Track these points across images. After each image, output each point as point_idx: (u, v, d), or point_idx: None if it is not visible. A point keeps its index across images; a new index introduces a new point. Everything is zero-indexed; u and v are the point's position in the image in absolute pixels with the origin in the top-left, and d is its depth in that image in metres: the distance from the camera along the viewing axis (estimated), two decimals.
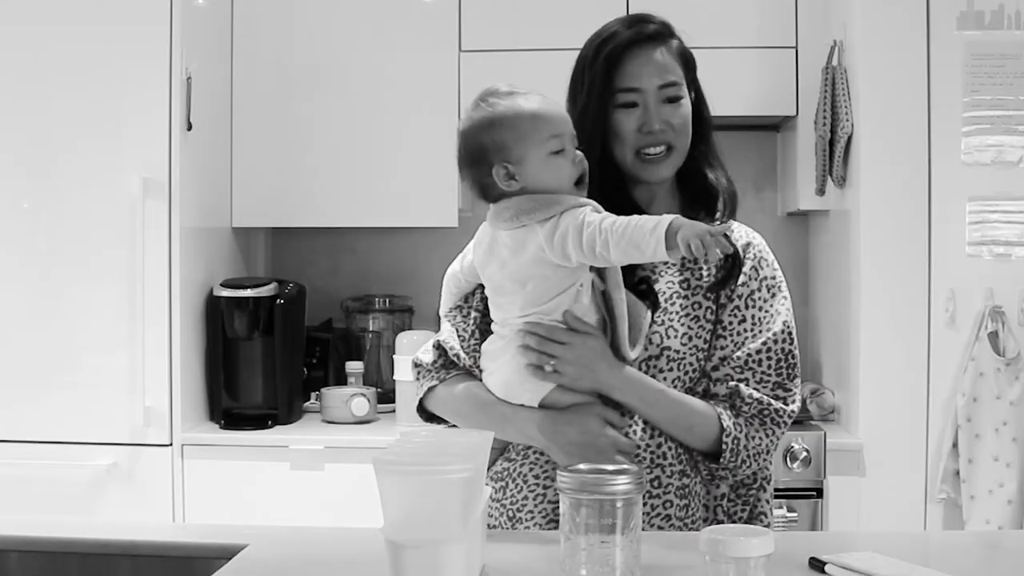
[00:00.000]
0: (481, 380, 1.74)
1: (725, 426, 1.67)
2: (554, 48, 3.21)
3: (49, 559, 1.61)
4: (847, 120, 2.92)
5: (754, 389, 1.70)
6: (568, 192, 1.62)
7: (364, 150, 3.26)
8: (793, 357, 1.73)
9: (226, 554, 1.50)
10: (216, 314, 3.11)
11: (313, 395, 3.32)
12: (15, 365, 2.97)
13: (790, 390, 1.72)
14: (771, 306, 1.73)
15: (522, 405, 1.68)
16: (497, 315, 1.72)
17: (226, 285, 3.12)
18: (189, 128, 2.97)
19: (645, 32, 1.74)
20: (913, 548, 1.67)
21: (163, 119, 2.94)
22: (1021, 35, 2.80)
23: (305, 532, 1.68)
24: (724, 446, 1.67)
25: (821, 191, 3.08)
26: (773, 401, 1.70)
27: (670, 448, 1.69)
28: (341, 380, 3.33)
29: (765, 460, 1.72)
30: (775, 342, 1.71)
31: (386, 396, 3.29)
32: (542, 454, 1.71)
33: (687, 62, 1.79)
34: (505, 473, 1.75)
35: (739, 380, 1.70)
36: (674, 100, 1.74)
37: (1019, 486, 2.74)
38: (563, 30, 3.25)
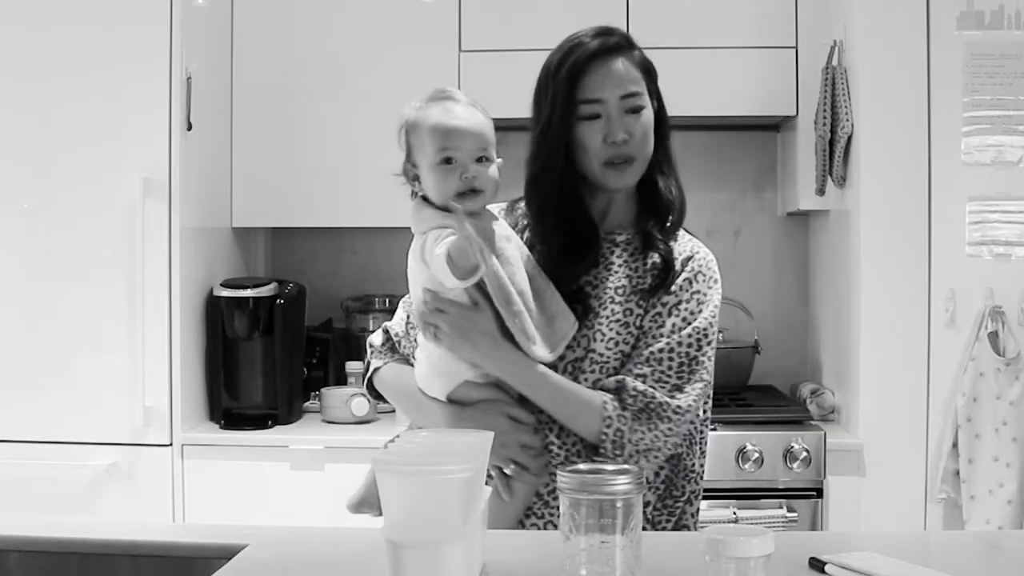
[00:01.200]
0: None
1: (606, 416, 1.67)
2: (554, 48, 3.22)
3: (49, 559, 1.61)
4: (847, 120, 2.92)
5: (647, 384, 1.69)
6: (453, 202, 1.69)
7: (364, 150, 3.26)
8: (697, 363, 1.72)
9: (226, 554, 1.50)
10: (216, 314, 3.11)
11: (313, 395, 3.32)
12: (15, 365, 2.97)
13: (684, 391, 1.70)
14: (694, 317, 1.74)
15: (435, 398, 1.75)
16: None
17: (226, 285, 3.12)
18: (189, 128, 2.97)
19: (607, 44, 1.78)
20: (913, 548, 1.67)
21: (163, 119, 2.94)
22: (1021, 35, 2.80)
23: (305, 532, 1.68)
24: (604, 436, 1.67)
25: (821, 191, 3.08)
26: (658, 395, 1.68)
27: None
28: (341, 380, 3.33)
29: (655, 458, 1.71)
30: (679, 344, 1.71)
31: None
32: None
33: (648, 71, 1.81)
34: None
35: (637, 376, 1.70)
36: (636, 110, 1.77)
37: (1019, 486, 2.74)
38: (563, 30, 3.24)
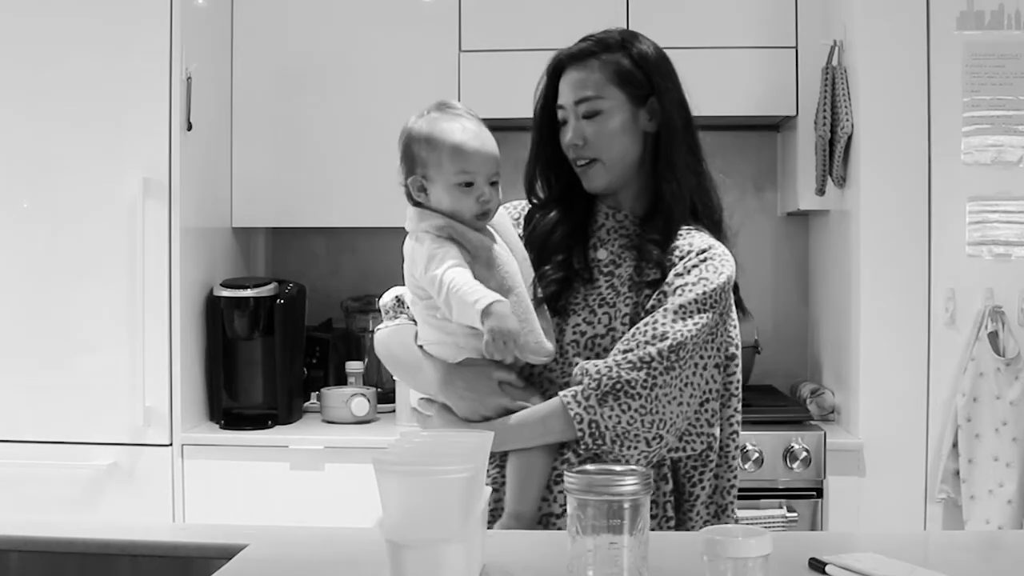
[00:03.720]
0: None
1: (571, 411, 1.66)
2: (554, 48, 3.21)
3: (49, 559, 1.61)
4: (847, 120, 2.92)
5: (607, 360, 1.67)
6: (467, 222, 1.73)
7: (364, 150, 3.26)
8: (667, 337, 1.67)
9: (226, 554, 1.50)
10: (216, 314, 3.11)
11: (313, 395, 3.32)
12: (15, 365, 2.97)
13: (646, 364, 1.66)
14: (683, 295, 1.72)
15: (431, 357, 1.77)
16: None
17: (226, 285, 3.12)
18: (189, 128, 2.97)
19: (572, 51, 1.86)
20: (913, 548, 1.67)
21: (163, 119, 2.94)
22: (1021, 35, 2.81)
23: (305, 532, 1.68)
24: (580, 432, 1.66)
25: (821, 191, 3.08)
26: (623, 372, 1.65)
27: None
28: (341, 380, 3.33)
29: (640, 447, 1.66)
30: (656, 321, 1.69)
31: (386, 396, 3.29)
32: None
33: (624, 77, 1.82)
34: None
35: (614, 355, 1.69)
36: (590, 115, 1.81)
37: (1019, 486, 2.74)
38: (563, 30, 3.23)
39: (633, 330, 1.71)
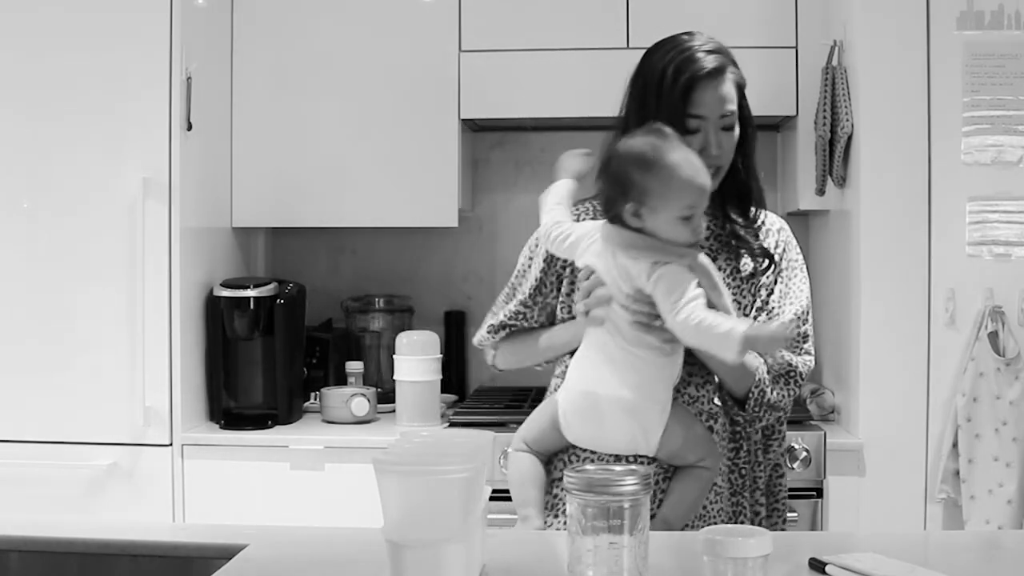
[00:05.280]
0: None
1: (758, 379, 1.84)
2: (554, 48, 3.22)
3: (49, 559, 1.61)
4: (847, 120, 2.92)
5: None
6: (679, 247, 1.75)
7: (364, 150, 3.26)
8: (808, 332, 1.94)
9: (226, 554, 1.50)
10: (216, 314, 3.11)
11: (313, 395, 3.32)
12: (15, 365, 2.97)
13: (809, 353, 1.93)
14: (797, 283, 1.95)
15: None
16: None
17: (226, 285, 3.12)
18: (189, 128, 2.97)
19: (719, 65, 1.89)
20: (913, 548, 1.67)
21: (163, 119, 2.94)
22: (1021, 35, 2.80)
23: (305, 532, 1.68)
24: (750, 395, 1.84)
25: (821, 191, 3.08)
26: (794, 360, 1.88)
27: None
28: (341, 380, 3.33)
29: (775, 416, 1.91)
30: (796, 316, 1.90)
31: (386, 396, 3.29)
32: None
33: (741, 89, 1.95)
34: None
35: None
36: (729, 128, 1.89)
37: (1019, 486, 2.74)
38: (563, 30, 3.26)
39: (792, 321, 1.87)
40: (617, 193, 1.72)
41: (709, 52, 1.88)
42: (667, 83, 1.85)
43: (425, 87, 3.24)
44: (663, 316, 1.69)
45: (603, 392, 1.75)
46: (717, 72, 1.87)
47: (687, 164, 1.71)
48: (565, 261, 1.90)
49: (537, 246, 1.97)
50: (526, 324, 1.99)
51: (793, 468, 2.83)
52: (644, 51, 1.96)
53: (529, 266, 2.00)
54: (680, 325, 1.66)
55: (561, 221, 1.85)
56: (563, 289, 1.94)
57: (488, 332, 2.03)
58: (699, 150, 1.81)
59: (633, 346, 1.73)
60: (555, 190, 1.90)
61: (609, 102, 3.22)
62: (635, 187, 1.70)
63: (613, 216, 1.74)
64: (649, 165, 1.70)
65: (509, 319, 2.00)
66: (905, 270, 2.85)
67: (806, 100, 3.14)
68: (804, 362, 1.91)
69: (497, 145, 3.62)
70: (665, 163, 1.70)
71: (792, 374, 1.88)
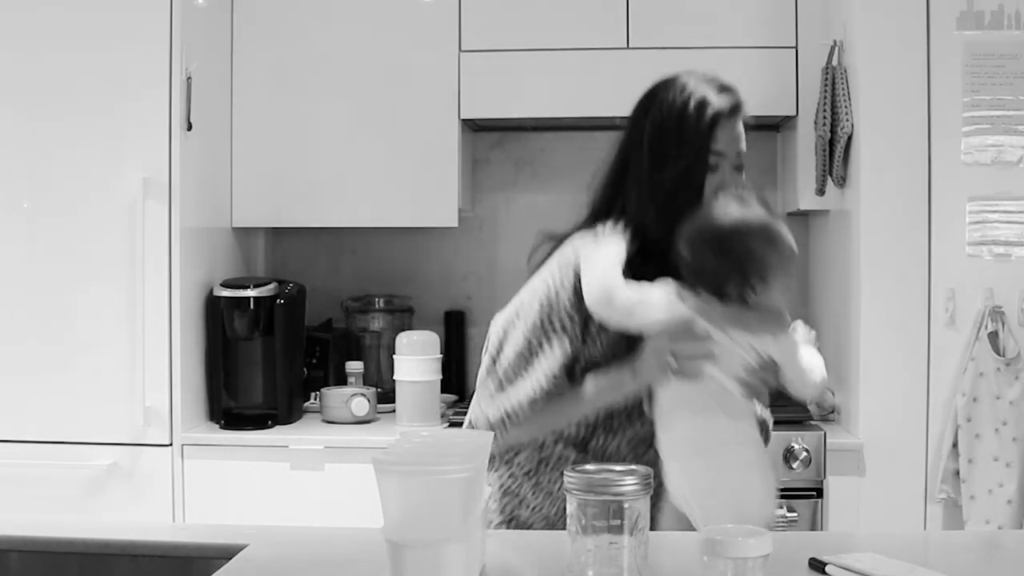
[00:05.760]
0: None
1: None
2: (554, 48, 3.22)
3: (49, 559, 1.61)
4: (847, 120, 2.92)
5: None
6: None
7: (364, 150, 3.26)
8: None
9: (226, 554, 1.50)
10: (216, 314, 3.11)
11: (313, 395, 3.32)
12: (15, 365, 2.97)
13: None
14: None
15: None
16: None
17: (226, 285, 3.12)
18: (189, 128, 2.97)
19: (736, 102, 1.87)
20: (913, 548, 1.67)
21: (163, 119, 2.94)
22: (1021, 35, 2.80)
23: (305, 532, 1.68)
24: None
25: (821, 191, 3.08)
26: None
27: None
28: (341, 380, 3.32)
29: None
30: None
31: (386, 396, 3.29)
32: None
33: (746, 128, 1.93)
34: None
35: None
36: (740, 168, 1.87)
37: (1019, 486, 2.74)
38: (564, 30, 3.26)
39: None
40: (729, 264, 1.67)
41: (723, 89, 1.86)
42: (690, 120, 1.81)
43: (425, 87, 3.24)
44: (789, 379, 1.69)
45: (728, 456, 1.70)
46: (737, 109, 1.86)
47: (789, 233, 1.71)
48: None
49: (550, 317, 1.79)
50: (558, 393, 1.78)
51: (793, 468, 2.83)
52: (649, 89, 1.91)
53: (551, 330, 1.79)
54: (812, 388, 1.71)
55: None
56: (592, 336, 1.79)
57: (517, 409, 1.77)
58: (715, 188, 1.79)
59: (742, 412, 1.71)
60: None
61: (609, 102, 3.24)
62: (756, 262, 1.67)
63: (714, 285, 1.68)
64: (772, 239, 1.68)
65: (546, 386, 1.77)
66: (905, 270, 2.85)
67: (806, 100, 3.14)
68: None
69: (497, 145, 3.62)
70: (782, 235, 1.69)
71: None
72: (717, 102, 1.83)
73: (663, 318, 1.68)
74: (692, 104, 1.83)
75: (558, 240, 1.89)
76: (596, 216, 1.87)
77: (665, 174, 1.79)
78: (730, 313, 1.67)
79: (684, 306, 1.68)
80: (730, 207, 1.71)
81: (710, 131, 1.81)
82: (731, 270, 1.67)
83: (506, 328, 1.82)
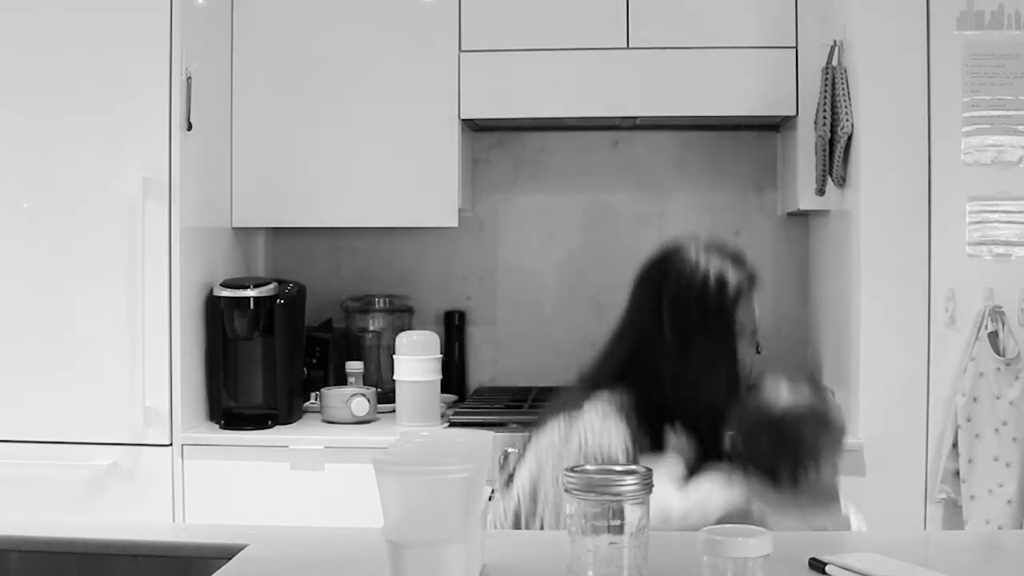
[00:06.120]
0: None
1: None
2: (554, 48, 3.22)
3: (49, 559, 1.61)
4: (847, 120, 2.92)
5: None
6: None
7: (364, 150, 3.26)
8: None
9: (226, 554, 1.50)
10: (216, 314, 3.11)
11: (313, 395, 3.32)
12: (15, 365, 2.97)
13: None
14: None
15: None
16: None
17: (226, 285, 3.12)
18: (189, 128, 2.97)
19: (752, 275, 1.89)
20: (913, 548, 1.67)
21: (163, 119, 2.94)
22: (1021, 35, 2.80)
23: (305, 532, 1.68)
24: None
25: (821, 191, 3.08)
26: None
27: None
28: (341, 380, 3.32)
29: None
30: None
31: (386, 396, 3.29)
32: None
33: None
34: None
35: None
36: (757, 337, 1.92)
37: (1019, 486, 2.74)
38: (564, 30, 3.26)
39: None
40: (784, 454, 1.68)
41: (736, 260, 1.86)
42: (712, 299, 1.80)
43: (425, 87, 3.24)
44: None
45: None
46: (753, 281, 1.86)
47: (839, 410, 1.72)
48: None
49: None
50: None
51: None
52: (656, 262, 1.89)
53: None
54: None
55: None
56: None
57: None
58: (756, 369, 1.82)
59: None
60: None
61: (609, 102, 3.25)
62: (808, 446, 1.68)
63: (772, 473, 1.68)
64: (823, 422, 1.69)
65: None
66: (905, 270, 2.84)
67: (806, 100, 3.14)
68: None
69: (497, 145, 3.62)
70: (833, 417, 1.70)
71: None
72: (736, 278, 1.82)
73: (721, 514, 1.67)
74: (711, 282, 1.80)
75: (570, 401, 1.83)
76: (603, 384, 1.83)
77: (692, 355, 1.77)
78: (783, 496, 1.68)
79: (738, 493, 1.67)
80: (780, 391, 1.70)
81: (734, 308, 1.80)
82: (784, 454, 1.68)
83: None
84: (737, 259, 1.85)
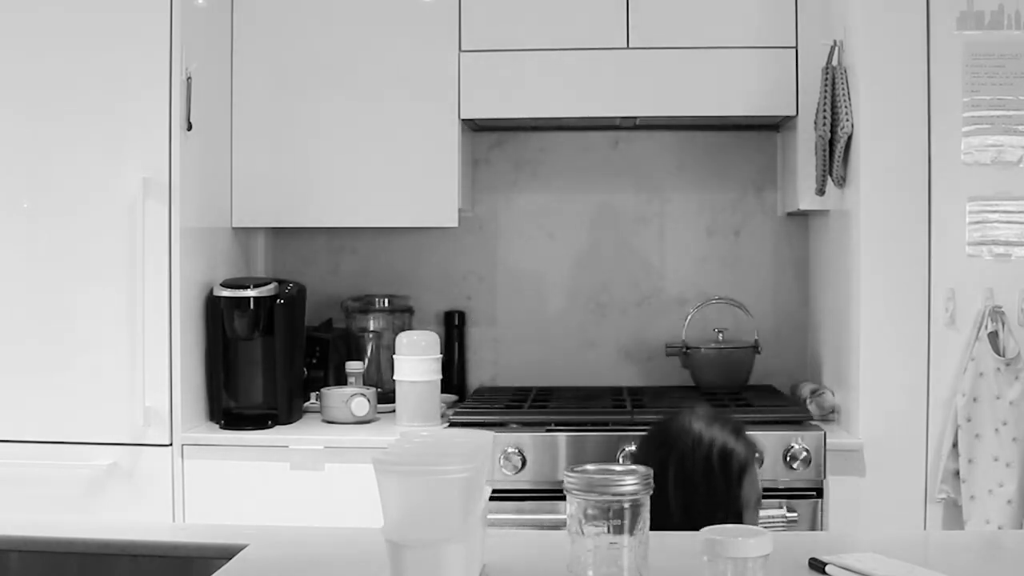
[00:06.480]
0: None
1: None
2: (554, 48, 3.22)
3: (49, 559, 1.61)
4: (847, 120, 2.92)
5: None
6: None
7: (364, 150, 3.26)
8: None
9: (226, 554, 1.50)
10: (216, 314, 3.11)
11: (313, 395, 3.32)
12: (15, 365, 2.97)
13: None
14: None
15: None
16: None
17: (226, 285, 3.12)
18: (189, 128, 2.97)
19: (755, 448, 1.90)
20: (913, 548, 1.67)
21: (163, 119, 2.94)
22: (1021, 35, 2.80)
23: (305, 532, 1.68)
24: None
25: (821, 191, 3.08)
26: None
27: None
28: (341, 380, 3.32)
29: None
30: None
31: (386, 396, 3.29)
32: None
33: None
34: None
35: None
36: (759, 504, 1.94)
37: (1019, 486, 2.74)
38: (564, 30, 3.26)
39: None
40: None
41: (737, 432, 1.85)
42: (716, 475, 1.80)
43: (425, 87, 3.24)
44: None
45: None
46: (756, 453, 1.87)
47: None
48: None
49: None
50: None
51: (793, 468, 2.83)
52: (659, 437, 1.89)
53: None
54: None
55: None
56: None
57: None
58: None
59: None
60: None
61: (609, 102, 3.25)
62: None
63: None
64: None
65: None
66: (905, 270, 2.84)
67: (806, 100, 3.14)
68: None
69: (497, 145, 3.62)
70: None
71: None
72: (740, 452, 1.82)
73: None
74: (715, 456, 1.80)
75: None
76: None
77: (697, 527, 1.79)
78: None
79: None
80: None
81: (739, 483, 1.80)
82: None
83: None
84: (738, 430, 1.84)
